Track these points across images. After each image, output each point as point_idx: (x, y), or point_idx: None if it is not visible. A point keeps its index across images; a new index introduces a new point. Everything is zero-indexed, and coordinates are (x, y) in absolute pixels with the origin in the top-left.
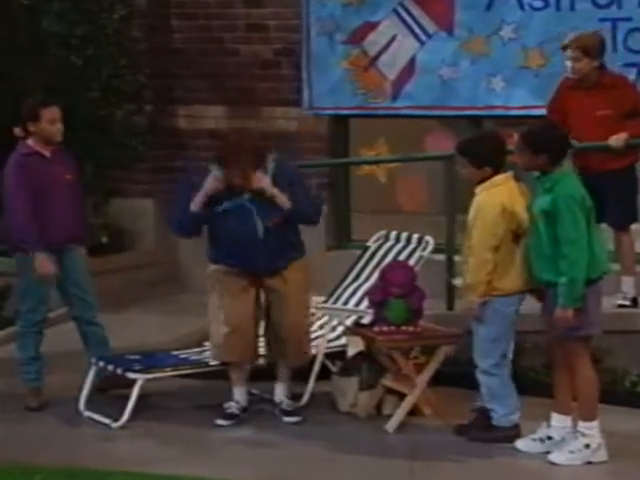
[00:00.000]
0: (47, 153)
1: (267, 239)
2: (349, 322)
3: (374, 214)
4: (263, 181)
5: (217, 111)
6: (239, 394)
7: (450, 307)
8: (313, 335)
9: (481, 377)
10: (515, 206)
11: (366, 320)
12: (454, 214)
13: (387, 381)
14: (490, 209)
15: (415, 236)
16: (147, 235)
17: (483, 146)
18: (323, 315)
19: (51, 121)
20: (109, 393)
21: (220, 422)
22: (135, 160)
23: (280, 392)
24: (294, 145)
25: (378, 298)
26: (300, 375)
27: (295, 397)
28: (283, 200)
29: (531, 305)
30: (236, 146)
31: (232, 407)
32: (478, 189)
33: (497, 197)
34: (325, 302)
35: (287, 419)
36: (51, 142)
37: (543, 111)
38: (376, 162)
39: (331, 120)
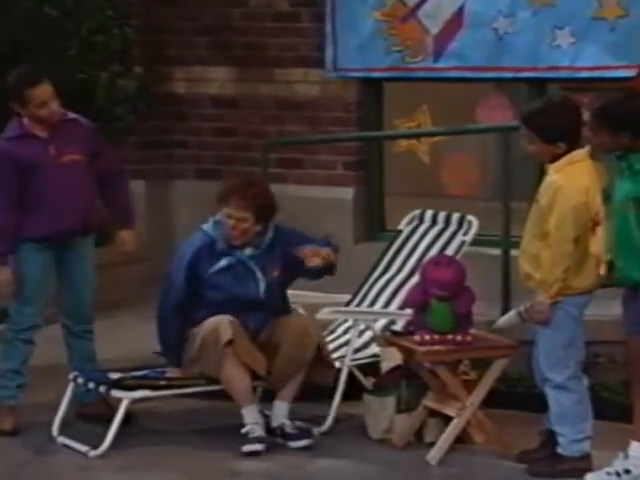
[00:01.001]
0: (42, 133)
1: (268, 296)
2: (378, 326)
3: (413, 198)
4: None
5: (221, 73)
6: (251, 415)
7: (506, 311)
8: (335, 342)
9: (553, 393)
10: (595, 190)
11: (399, 325)
12: (511, 199)
13: (430, 402)
14: (573, 194)
15: (455, 216)
16: (138, 225)
17: (556, 117)
18: (347, 319)
19: (41, 104)
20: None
21: (250, 448)
22: (122, 133)
23: (280, 414)
24: (315, 115)
25: (418, 300)
26: (321, 394)
27: (315, 422)
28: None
29: (605, 310)
30: (247, 193)
31: (256, 429)
32: (551, 169)
33: (580, 179)
34: (349, 302)
35: (294, 444)
36: (48, 122)
37: (620, 72)
38: (416, 135)
39: (360, 84)
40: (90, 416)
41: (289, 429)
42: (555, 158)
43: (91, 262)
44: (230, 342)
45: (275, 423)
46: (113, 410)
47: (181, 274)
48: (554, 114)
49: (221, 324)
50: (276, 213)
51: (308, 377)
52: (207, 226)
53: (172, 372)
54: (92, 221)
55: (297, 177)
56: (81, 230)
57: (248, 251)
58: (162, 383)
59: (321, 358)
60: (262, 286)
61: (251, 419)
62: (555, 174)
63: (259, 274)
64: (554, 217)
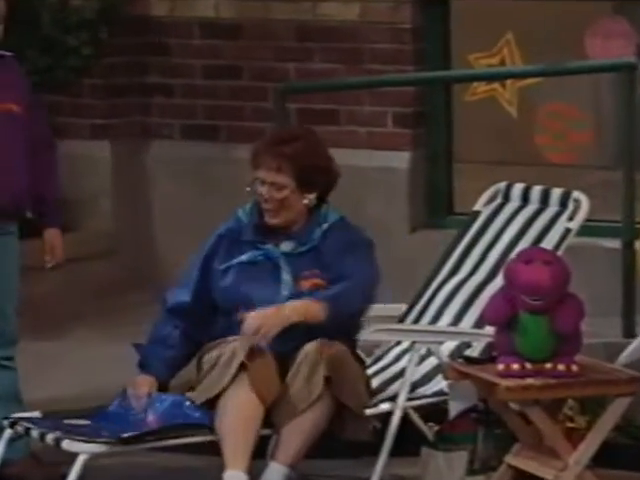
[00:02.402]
0: None
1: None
2: (445, 351)
3: (494, 167)
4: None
5: None
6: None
7: (630, 330)
8: (383, 374)
9: None
10: None
11: (475, 349)
12: (637, 169)
13: (517, 459)
14: None
15: (556, 192)
16: (102, 204)
17: None
18: (400, 341)
19: None
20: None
21: None
22: (79, 73)
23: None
24: (352, 48)
25: (502, 314)
26: (362, 447)
27: None
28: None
29: None
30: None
31: None
32: None
33: None
34: (404, 317)
35: None
36: None
37: None
38: (498, 77)
39: (417, 4)
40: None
41: None
42: None
43: (14, 259)
44: (244, 365)
45: None
46: (47, 472)
47: (195, 269)
48: None
49: (236, 343)
50: (334, 182)
51: (335, 428)
52: (242, 210)
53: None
54: (25, 199)
55: (327, 137)
56: (10, 210)
57: (286, 246)
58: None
59: (343, 403)
60: (284, 293)
61: None
62: None
63: (286, 277)
64: None
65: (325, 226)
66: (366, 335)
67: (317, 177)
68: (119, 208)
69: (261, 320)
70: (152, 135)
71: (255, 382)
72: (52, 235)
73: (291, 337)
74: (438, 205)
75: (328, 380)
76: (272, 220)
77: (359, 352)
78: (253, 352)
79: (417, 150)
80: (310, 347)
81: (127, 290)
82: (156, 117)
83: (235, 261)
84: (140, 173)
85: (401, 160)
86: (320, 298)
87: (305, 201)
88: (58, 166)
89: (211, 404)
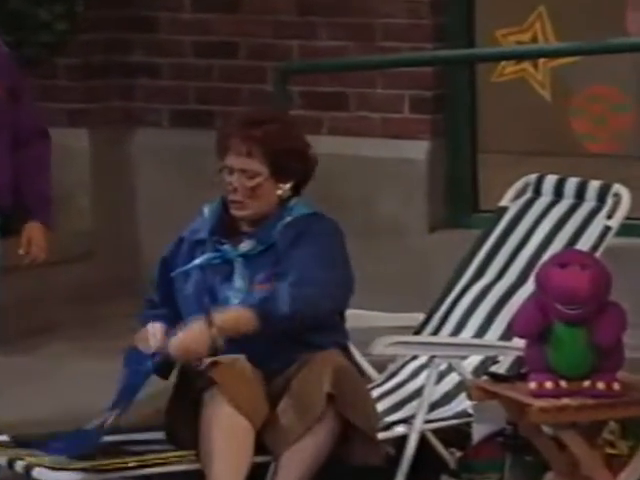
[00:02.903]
0: None
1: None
2: (468, 367)
3: (524, 157)
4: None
5: None
6: None
7: None
8: (397, 393)
9: None
10: None
11: (503, 364)
12: None
13: None
14: None
15: (594, 185)
16: (79, 200)
17: None
18: (417, 355)
19: None
20: None
21: None
22: (52, 51)
23: None
24: (364, 24)
25: (533, 324)
26: (371, 475)
27: None
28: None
29: None
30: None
31: None
32: None
33: None
34: (422, 328)
35: None
36: None
37: None
38: (529, 56)
39: None
40: None
41: None
42: None
43: None
44: (212, 380)
45: None
46: None
47: (156, 277)
48: None
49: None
50: (312, 171)
51: (342, 453)
52: (209, 207)
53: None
54: (5, 194)
55: (335, 124)
56: None
57: (246, 245)
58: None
59: (351, 424)
60: (234, 302)
61: None
62: None
63: (240, 283)
64: None
65: (288, 219)
66: (379, 349)
67: (293, 164)
68: (99, 205)
69: (184, 344)
70: (136, 122)
71: (233, 398)
72: (31, 228)
73: (278, 350)
74: (460, 201)
75: (331, 397)
76: (240, 212)
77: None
78: (225, 366)
79: (437, 139)
80: (308, 359)
81: (108, 297)
82: (140, 101)
83: (191, 265)
84: (123, 165)
85: (419, 150)
86: (249, 304)
87: (279, 192)
88: (49, 158)
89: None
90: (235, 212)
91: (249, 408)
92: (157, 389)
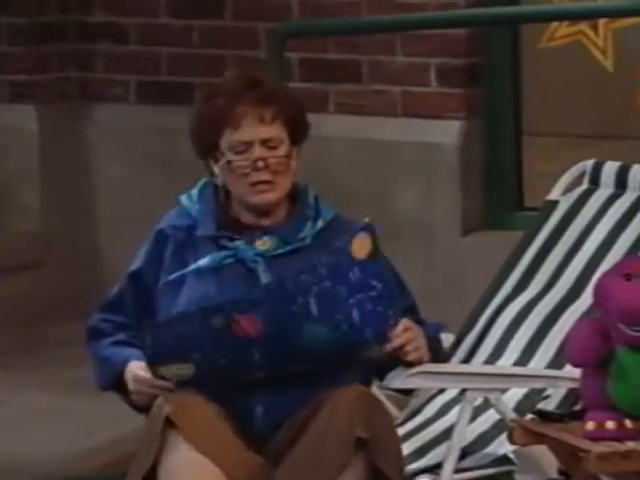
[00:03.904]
0: None
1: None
2: (510, 402)
3: (579, 141)
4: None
5: None
6: None
7: None
8: (422, 435)
9: None
10: None
11: (553, 399)
12: None
13: None
14: None
15: None
16: (25, 194)
17: None
18: (445, 388)
19: None
20: None
21: None
22: None
23: None
24: None
25: (590, 349)
26: None
27: None
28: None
29: None
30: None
31: None
32: None
33: None
34: (452, 351)
35: None
36: None
37: None
38: (588, 15)
39: None
40: None
41: None
42: None
43: None
44: (171, 422)
45: None
46: None
47: (123, 288)
48: None
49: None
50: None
51: None
52: (188, 198)
53: None
54: None
55: (344, 100)
56: None
57: (263, 243)
58: None
59: (378, 470)
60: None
61: None
62: None
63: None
64: None
65: (320, 223)
66: (398, 381)
67: (306, 128)
68: (49, 200)
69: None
70: (96, 97)
71: (198, 443)
72: None
73: (287, 393)
74: (500, 196)
75: (360, 441)
76: (271, 195)
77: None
78: (187, 403)
79: (471, 118)
80: (327, 396)
81: (60, 315)
82: (101, 72)
83: (191, 268)
84: (79, 151)
85: (449, 133)
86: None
87: (293, 165)
88: None
89: None
90: (264, 197)
91: (220, 454)
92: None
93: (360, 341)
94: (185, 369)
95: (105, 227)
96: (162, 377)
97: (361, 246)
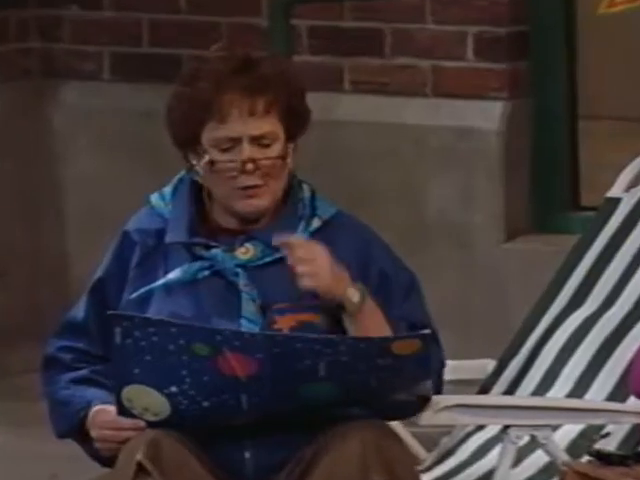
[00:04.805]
0: None
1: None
2: (562, 441)
3: None
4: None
5: None
6: None
7: None
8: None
9: None
10: None
11: (617, 438)
12: None
13: None
14: None
15: None
16: None
17: None
18: (484, 425)
19: None
20: None
21: None
22: None
23: None
24: None
25: None
26: None
27: None
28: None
29: None
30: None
31: None
32: None
33: None
34: (490, 384)
35: None
36: None
37: None
38: None
39: None
40: None
41: None
42: None
43: None
44: (143, 469)
45: None
46: None
47: (83, 306)
48: None
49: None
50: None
51: None
52: (159, 196)
53: None
54: None
55: (362, 77)
56: None
57: (245, 252)
58: None
59: None
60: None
61: None
62: None
63: (249, 307)
64: None
65: (316, 223)
66: (427, 416)
67: (306, 119)
68: (5, 199)
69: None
70: (63, 73)
71: None
72: None
73: (282, 434)
74: (552, 192)
75: None
76: (260, 202)
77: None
78: (160, 445)
79: (516, 99)
80: (337, 433)
81: (21, 337)
82: (69, 42)
83: (159, 283)
84: (42, 139)
85: (489, 116)
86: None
87: (290, 164)
88: None
89: None
90: (251, 204)
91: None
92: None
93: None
94: (158, 405)
95: (74, 232)
96: (130, 412)
97: (406, 345)
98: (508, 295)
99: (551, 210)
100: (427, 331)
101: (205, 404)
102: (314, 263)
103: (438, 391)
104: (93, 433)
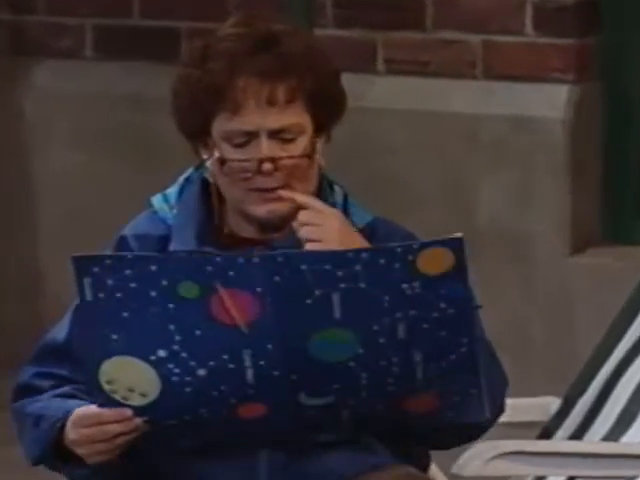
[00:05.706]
0: None
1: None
2: None
3: None
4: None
5: None
6: None
7: None
8: None
9: None
10: None
11: None
12: None
13: None
14: None
15: None
16: None
17: None
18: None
19: None
20: None
21: None
22: None
23: None
24: None
25: None
26: None
27: None
28: None
29: None
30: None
31: None
32: None
33: None
34: (554, 426)
35: None
36: None
37: None
38: None
39: None
40: None
41: None
42: None
43: None
44: None
45: None
46: None
47: (65, 319)
48: None
49: None
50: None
51: None
52: (163, 198)
53: None
54: None
55: (398, 55)
56: None
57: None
58: None
59: None
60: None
61: None
62: None
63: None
64: None
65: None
66: (474, 466)
67: (341, 105)
68: None
69: None
70: (36, 50)
71: None
72: None
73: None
74: (626, 197)
75: None
76: (280, 207)
77: None
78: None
79: (586, 82)
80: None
81: None
82: (43, 14)
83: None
84: (11, 127)
85: (552, 102)
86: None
87: (319, 161)
88: None
89: None
90: (270, 210)
91: None
92: None
93: (408, 368)
94: (145, 382)
95: (49, 240)
96: (112, 399)
97: (434, 260)
98: (574, 319)
99: (626, 217)
100: (459, 234)
101: (201, 372)
102: (320, 229)
103: (494, 416)
104: (72, 436)
